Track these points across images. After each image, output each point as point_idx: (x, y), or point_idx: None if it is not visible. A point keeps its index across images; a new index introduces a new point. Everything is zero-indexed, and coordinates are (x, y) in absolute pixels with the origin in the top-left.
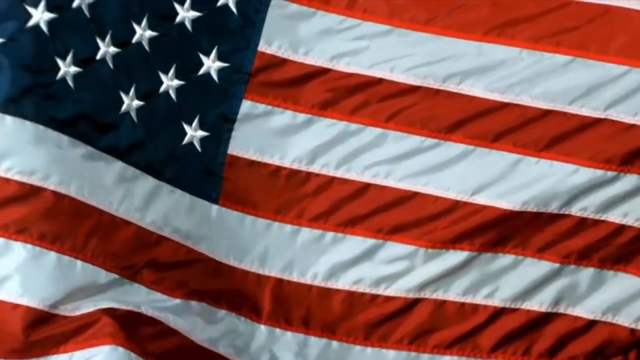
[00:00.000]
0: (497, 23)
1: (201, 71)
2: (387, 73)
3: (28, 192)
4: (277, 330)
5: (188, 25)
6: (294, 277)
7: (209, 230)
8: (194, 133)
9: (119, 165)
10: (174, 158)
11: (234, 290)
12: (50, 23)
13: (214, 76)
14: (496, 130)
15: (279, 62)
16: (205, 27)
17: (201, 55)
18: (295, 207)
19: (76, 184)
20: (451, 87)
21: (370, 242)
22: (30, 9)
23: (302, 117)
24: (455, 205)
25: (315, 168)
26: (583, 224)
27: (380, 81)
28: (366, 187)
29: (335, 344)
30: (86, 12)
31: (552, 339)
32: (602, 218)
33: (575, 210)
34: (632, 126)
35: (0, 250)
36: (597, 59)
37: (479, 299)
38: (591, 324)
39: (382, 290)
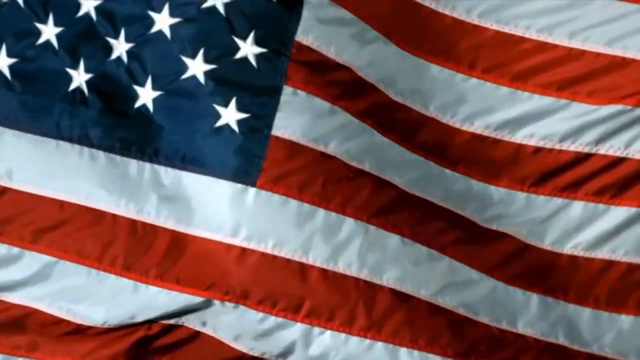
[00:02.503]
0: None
1: (238, 55)
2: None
3: None
4: (316, 328)
5: (220, 9)
6: (340, 268)
7: (242, 215)
8: (230, 115)
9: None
10: (202, 142)
11: (268, 283)
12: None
13: (252, 61)
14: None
15: (314, 54)
16: (240, 10)
17: (236, 39)
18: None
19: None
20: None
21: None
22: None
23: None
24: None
25: (348, 160)
26: (575, 262)
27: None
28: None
29: (379, 345)
30: (93, 17)
31: None
32: (592, 256)
33: (567, 248)
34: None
35: None
36: (588, 103)
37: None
38: None
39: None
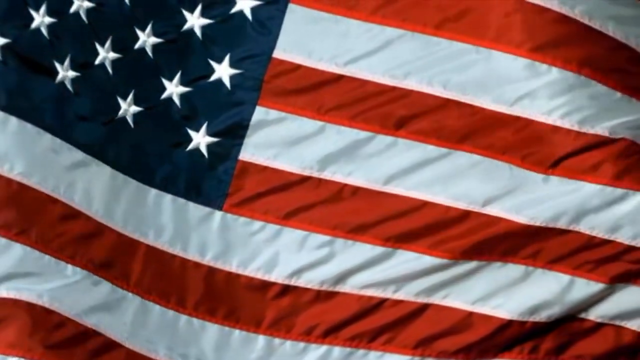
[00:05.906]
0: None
1: (212, 78)
2: (401, 81)
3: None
4: (277, 340)
5: (198, 32)
6: (302, 283)
7: (209, 236)
8: (201, 139)
9: (108, 170)
10: (174, 164)
11: (232, 300)
12: (50, 27)
13: (227, 83)
14: (504, 143)
15: (293, 69)
16: (217, 34)
17: (212, 62)
18: (305, 213)
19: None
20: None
21: (379, 250)
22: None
23: (314, 124)
24: (467, 215)
25: (326, 175)
26: (591, 242)
27: (393, 89)
28: (378, 194)
29: (337, 350)
30: (84, 18)
31: (560, 339)
32: (612, 238)
33: (584, 228)
34: None
35: None
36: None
37: (487, 309)
38: (598, 326)
39: (390, 294)
